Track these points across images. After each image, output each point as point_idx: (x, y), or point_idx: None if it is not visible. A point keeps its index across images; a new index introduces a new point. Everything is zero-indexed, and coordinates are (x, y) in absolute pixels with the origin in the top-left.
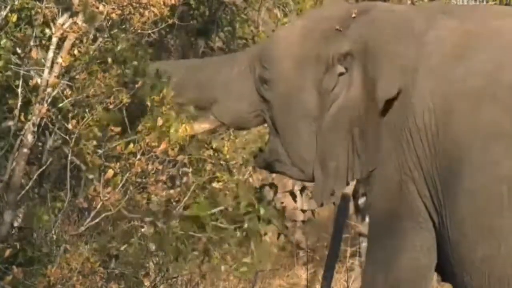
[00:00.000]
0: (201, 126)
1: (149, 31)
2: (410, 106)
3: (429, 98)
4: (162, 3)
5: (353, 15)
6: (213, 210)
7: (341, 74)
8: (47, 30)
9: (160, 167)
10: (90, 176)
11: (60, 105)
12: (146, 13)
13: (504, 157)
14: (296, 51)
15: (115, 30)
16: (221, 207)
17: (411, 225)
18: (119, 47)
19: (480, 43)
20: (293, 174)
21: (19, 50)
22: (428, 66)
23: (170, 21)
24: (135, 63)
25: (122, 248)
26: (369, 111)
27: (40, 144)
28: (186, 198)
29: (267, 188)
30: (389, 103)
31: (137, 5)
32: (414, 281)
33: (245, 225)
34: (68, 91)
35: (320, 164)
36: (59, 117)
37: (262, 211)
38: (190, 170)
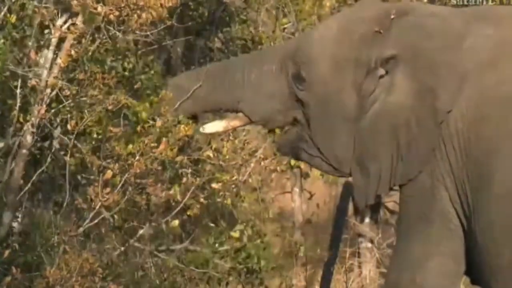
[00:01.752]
0: (231, 124)
1: (147, 33)
2: None
3: (464, 105)
4: (159, 5)
5: (392, 17)
6: (219, 249)
7: (381, 76)
8: (46, 31)
9: (160, 168)
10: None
11: (60, 106)
12: (144, 15)
13: None
14: (334, 53)
15: (113, 32)
16: (226, 247)
17: (442, 230)
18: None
19: None
20: (323, 168)
21: (17, 51)
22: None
23: (169, 23)
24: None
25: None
26: (421, 121)
27: (39, 145)
28: (186, 198)
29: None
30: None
31: (135, 6)
32: (442, 286)
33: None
34: (67, 92)
35: (359, 164)
36: (58, 118)
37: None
38: (190, 170)
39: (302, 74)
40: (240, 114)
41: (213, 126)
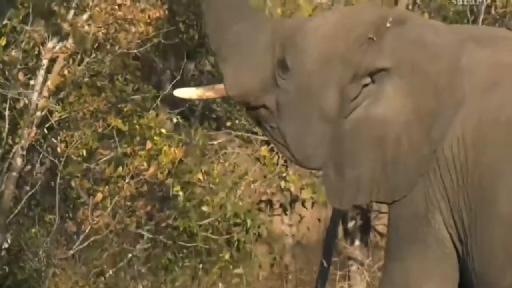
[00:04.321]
0: (206, 94)
1: (135, 50)
2: None
3: (460, 129)
4: (147, 17)
5: (388, 25)
6: (203, 222)
7: (366, 85)
8: (36, 53)
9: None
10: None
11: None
12: (132, 28)
13: None
14: (325, 48)
15: (102, 53)
16: (211, 219)
17: (438, 254)
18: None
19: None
20: (286, 156)
21: (6, 73)
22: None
23: (156, 40)
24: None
25: (111, 272)
26: (415, 143)
27: (29, 167)
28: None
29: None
30: None
31: (123, 21)
32: None
33: (235, 237)
34: (57, 114)
35: (335, 166)
36: (47, 140)
37: (249, 222)
38: (180, 193)
39: (287, 61)
40: (217, 86)
41: (186, 92)
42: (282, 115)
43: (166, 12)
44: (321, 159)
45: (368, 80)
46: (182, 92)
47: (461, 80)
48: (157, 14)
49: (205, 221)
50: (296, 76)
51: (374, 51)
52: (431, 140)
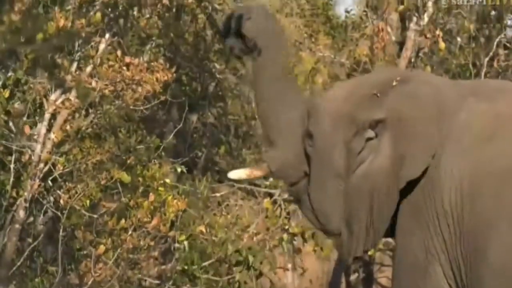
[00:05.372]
0: (254, 173)
1: (142, 108)
2: (438, 188)
3: (458, 180)
4: (155, 79)
5: (394, 83)
6: (204, 263)
7: (369, 139)
8: (39, 106)
9: (152, 243)
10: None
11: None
12: (139, 89)
13: None
14: (335, 110)
15: (108, 106)
16: (212, 260)
17: None
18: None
19: (508, 126)
20: (315, 225)
21: (11, 125)
22: (456, 149)
23: (163, 98)
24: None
25: None
26: (390, 186)
27: (32, 219)
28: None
29: None
30: (413, 183)
31: (130, 81)
32: None
33: (237, 277)
34: (60, 167)
35: (346, 224)
36: (50, 192)
37: (251, 259)
38: (183, 244)
39: (310, 129)
40: (264, 164)
41: (238, 173)
42: (310, 181)
43: (174, 75)
44: (338, 219)
45: (372, 133)
46: (235, 174)
47: (444, 127)
48: (165, 78)
49: (207, 263)
50: (315, 140)
51: (375, 106)
52: (399, 181)
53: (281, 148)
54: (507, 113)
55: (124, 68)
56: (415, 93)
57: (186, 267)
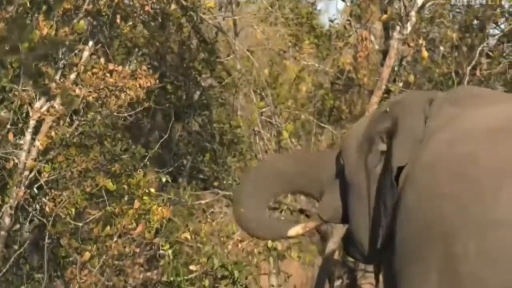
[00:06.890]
0: (308, 225)
1: (126, 114)
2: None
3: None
4: (138, 85)
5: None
6: (190, 276)
7: (383, 152)
8: (25, 114)
9: (137, 250)
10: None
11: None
12: (123, 95)
13: None
14: (355, 136)
15: (92, 113)
16: (197, 272)
17: None
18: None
19: (467, 128)
20: (358, 259)
21: None
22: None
23: (146, 104)
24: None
25: None
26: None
27: (18, 226)
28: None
29: None
30: None
31: (113, 88)
32: None
33: None
34: (45, 174)
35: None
36: (36, 200)
37: (237, 274)
38: (167, 253)
39: (341, 162)
40: (316, 216)
41: (295, 230)
42: (349, 215)
43: (157, 81)
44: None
45: (383, 146)
46: (293, 231)
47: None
48: (148, 84)
49: (192, 275)
50: (345, 171)
51: (384, 119)
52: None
53: (330, 198)
54: (471, 117)
55: (108, 75)
56: (411, 103)
57: (172, 279)
